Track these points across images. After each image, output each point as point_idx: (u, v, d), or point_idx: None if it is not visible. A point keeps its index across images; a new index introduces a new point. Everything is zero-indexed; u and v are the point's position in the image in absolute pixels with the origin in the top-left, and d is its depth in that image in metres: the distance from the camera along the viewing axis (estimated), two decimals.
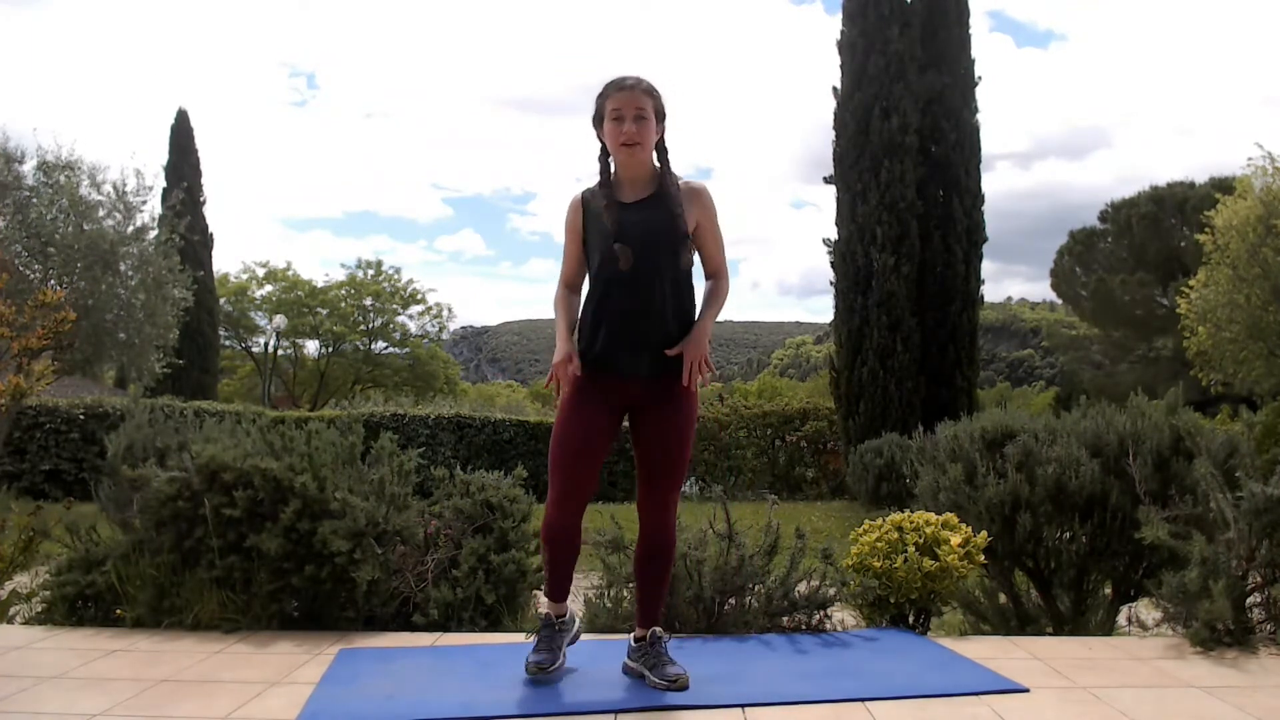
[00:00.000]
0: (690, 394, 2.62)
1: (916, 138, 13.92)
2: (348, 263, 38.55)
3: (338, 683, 2.65)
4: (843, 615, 3.52)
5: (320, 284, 33.03)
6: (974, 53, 14.80)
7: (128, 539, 3.46)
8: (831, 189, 14.68)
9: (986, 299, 15.57)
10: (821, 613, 3.37)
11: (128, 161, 27.36)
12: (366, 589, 3.26)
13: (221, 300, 28.79)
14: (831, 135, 14.67)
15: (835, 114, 14.61)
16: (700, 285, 2.68)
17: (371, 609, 3.33)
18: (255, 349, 32.50)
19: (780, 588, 3.33)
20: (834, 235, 14.56)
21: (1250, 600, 3.07)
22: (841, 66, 14.51)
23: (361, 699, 2.50)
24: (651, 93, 2.56)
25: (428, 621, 3.31)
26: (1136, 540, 3.28)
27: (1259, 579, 3.07)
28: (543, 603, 2.83)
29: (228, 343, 31.44)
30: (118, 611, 3.34)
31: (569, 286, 2.72)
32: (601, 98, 2.57)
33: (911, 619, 3.37)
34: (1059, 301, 33.31)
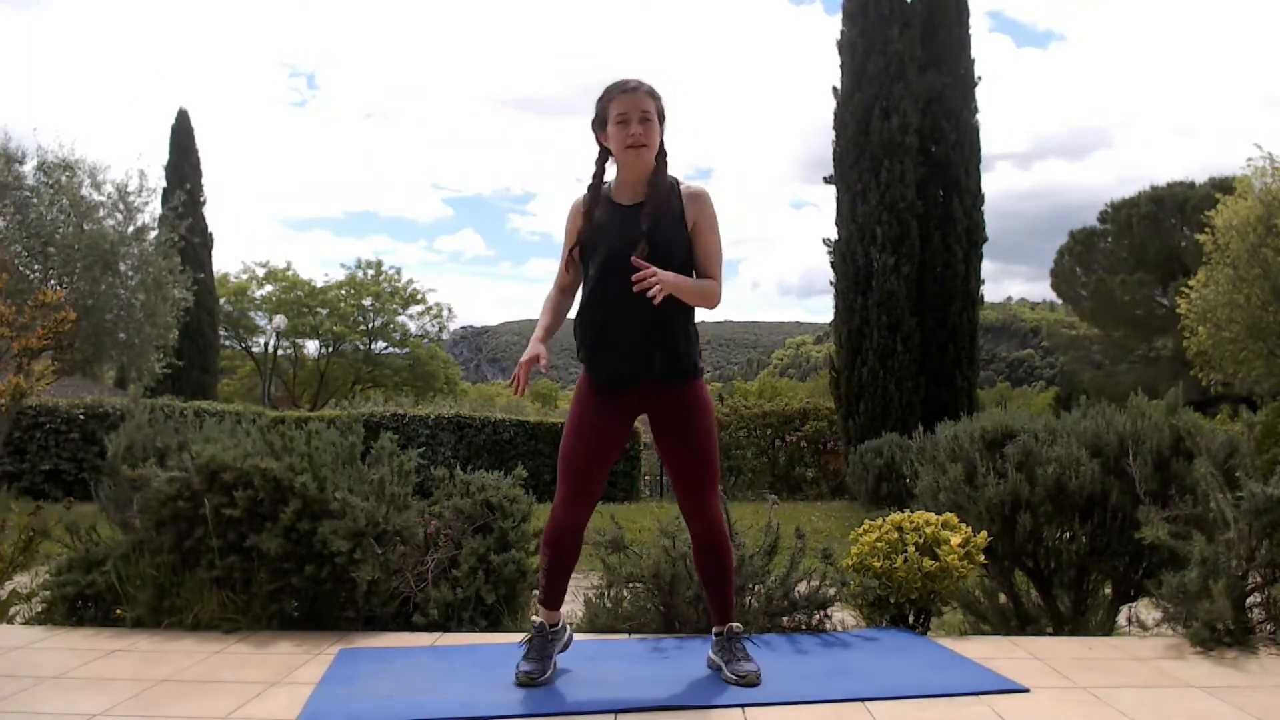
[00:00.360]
0: (699, 389, 2.63)
1: (916, 138, 13.93)
2: (347, 263, 38.60)
3: (338, 683, 2.65)
4: (843, 615, 3.52)
5: (320, 284, 33.05)
6: (974, 53, 14.81)
7: (128, 539, 3.46)
8: (831, 189, 14.69)
9: (986, 299, 15.58)
10: (821, 613, 3.37)
11: (132, 162, 27.38)
12: (366, 589, 3.26)
13: (221, 300, 28.79)
14: (831, 135, 14.68)
15: (835, 114, 14.62)
16: None
17: (371, 609, 3.33)
18: (255, 349, 32.51)
19: (780, 588, 3.33)
20: (834, 235, 14.56)
21: (1250, 600, 3.07)
22: (841, 66, 14.52)
23: (361, 699, 2.50)
24: (654, 95, 2.56)
25: (428, 621, 3.31)
26: (1136, 540, 3.28)
27: (1259, 579, 3.07)
28: (537, 610, 2.81)
29: (228, 343, 31.44)
30: (118, 611, 3.34)
31: (563, 290, 2.73)
32: (604, 101, 2.57)
33: (911, 619, 3.37)
34: (1059, 301, 33.32)
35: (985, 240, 14.62)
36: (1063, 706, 2.43)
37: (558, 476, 2.61)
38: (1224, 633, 2.95)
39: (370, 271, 33.58)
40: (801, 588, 3.36)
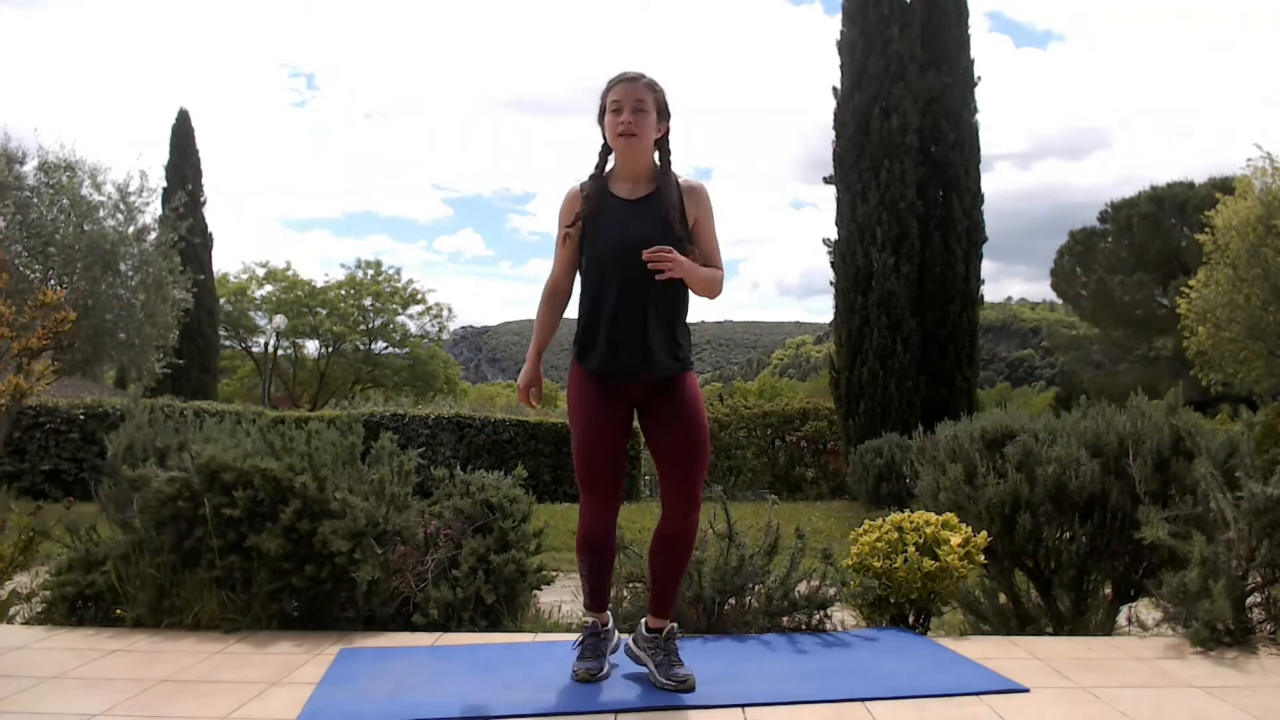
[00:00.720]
0: (691, 381, 2.63)
1: (916, 138, 13.93)
2: (347, 263, 38.56)
3: (338, 683, 2.65)
4: (843, 615, 3.52)
5: (320, 284, 33.05)
6: (973, 53, 14.83)
7: (128, 539, 3.46)
8: (831, 189, 14.70)
9: (986, 299, 15.60)
10: (821, 613, 3.37)
11: (133, 163, 27.35)
12: (366, 589, 3.26)
13: (221, 300, 28.79)
14: (831, 135, 14.69)
15: (835, 114, 14.63)
16: None
17: (371, 609, 3.33)
18: (255, 349, 32.50)
19: (780, 588, 3.33)
20: (834, 235, 14.57)
21: (1250, 600, 3.07)
22: (841, 66, 14.53)
23: (361, 699, 2.50)
24: (653, 88, 2.56)
25: (428, 621, 3.31)
26: (1136, 540, 3.28)
27: (1259, 579, 3.07)
28: (581, 612, 2.85)
29: (228, 343, 31.43)
30: (118, 611, 3.34)
31: (554, 291, 2.69)
32: (605, 91, 2.58)
33: (911, 619, 3.37)
34: (1059, 301, 33.30)
35: (985, 240, 14.64)
36: (1063, 706, 2.43)
37: (580, 483, 2.61)
38: (1224, 633, 2.94)
39: (370, 271, 33.58)
40: (801, 588, 3.36)
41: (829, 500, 14.00)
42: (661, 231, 2.53)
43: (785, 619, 3.32)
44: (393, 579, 3.39)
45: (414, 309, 34.22)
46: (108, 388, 18.41)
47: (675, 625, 2.69)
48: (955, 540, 3.30)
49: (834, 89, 14.68)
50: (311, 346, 33.90)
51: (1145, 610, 3.54)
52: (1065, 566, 3.62)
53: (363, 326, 33.21)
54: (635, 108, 2.52)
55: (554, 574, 3.73)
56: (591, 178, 2.62)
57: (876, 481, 11.49)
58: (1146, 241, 25.91)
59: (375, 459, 3.71)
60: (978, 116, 14.73)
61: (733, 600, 3.32)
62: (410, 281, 34.17)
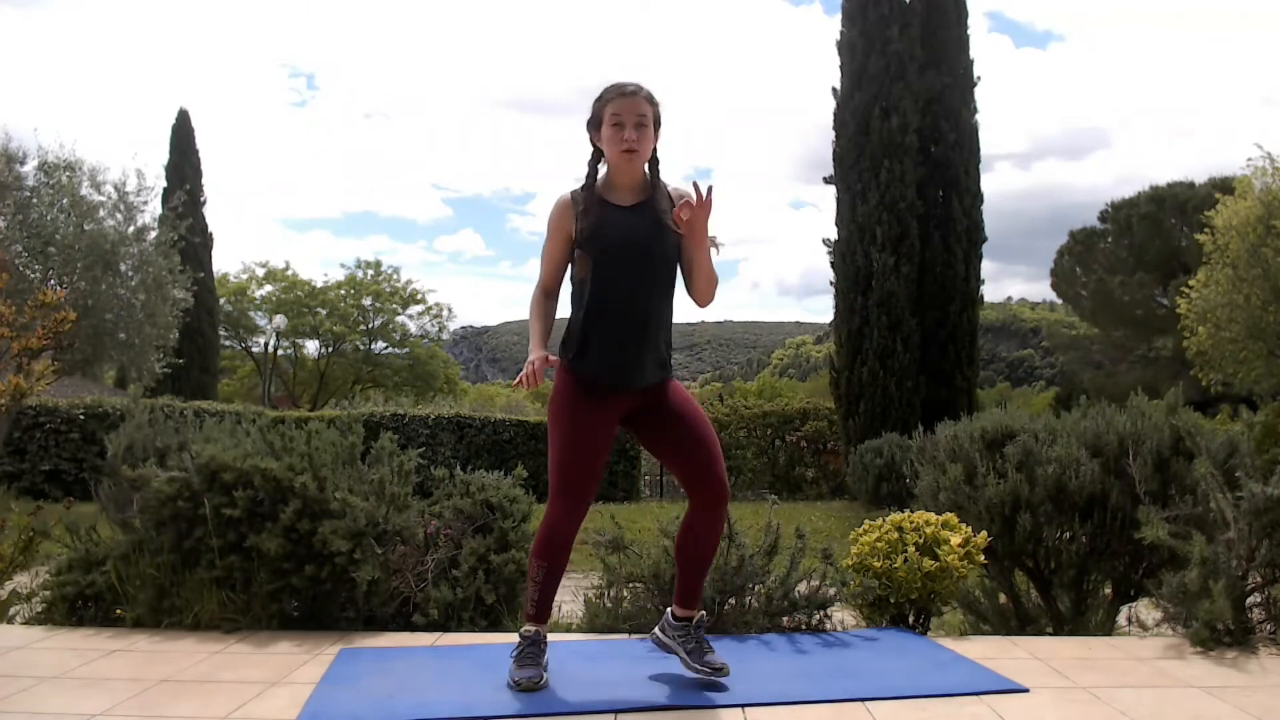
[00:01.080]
0: (676, 387, 2.66)
1: (916, 138, 13.93)
2: (347, 263, 38.57)
3: (338, 683, 2.65)
4: (843, 615, 3.52)
5: (320, 284, 33.05)
6: (973, 53, 14.83)
7: (128, 539, 3.46)
8: (831, 189, 14.70)
9: (986, 299, 15.60)
10: (821, 613, 3.37)
11: (129, 162, 27.40)
12: (366, 589, 3.26)
13: (221, 300, 28.79)
14: (831, 135, 14.69)
15: (835, 114, 14.63)
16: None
17: (371, 609, 3.33)
18: (255, 349, 32.50)
19: (780, 588, 3.33)
20: (834, 235, 14.57)
21: (1250, 600, 3.07)
22: (841, 67, 14.53)
23: (361, 699, 2.50)
24: (652, 101, 2.55)
25: (428, 621, 3.31)
26: (1136, 540, 3.28)
27: (1259, 579, 3.07)
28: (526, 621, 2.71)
29: (228, 343, 31.43)
30: (118, 611, 3.34)
31: (547, 292, 2.68)
32: (601, 102, 2.56)
33: (911, 619, 3.37)
34: (1059, 301, 33.29)
35: (985, 240, 14.64)
36: (1063, 706, 2.43)
37: (553, 487, 2.56)
38: (1224, 633, 2.94)
39: (370, 271, 33.59)
40: (801, 588, 3.36)
41: (829, 500, 14.00)
42: (658, 236, 2.53)
43: (785, 619, 3.32)
44: (393, 579, 3.39)
45: (414, 309, 34.26)
46: (108, 388, 18.41)
47: (704, 614, 2.70)
48: (955, 540, 3.31)
49: (834, 89, 14.68)
50: (311, 346, 33.93)
51: (1145, 610, 3.54)
52: (1065, 566, 3.62)
53: (363, 326, 33.22)
54: (637, 123, 2.51)
55: None
56: (584, 188, 2.60)
57: (876, 481, 11.49)
58: (1146, 241, 25.91)
59: (375, 459, 3.71)
60: (977, 116, 14.74)
61: (733, 600, 3.32)
62: (410, 281, 34.22)
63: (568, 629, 3.45)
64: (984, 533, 3.43)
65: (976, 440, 3.92)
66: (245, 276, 32.26)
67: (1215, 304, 14.77)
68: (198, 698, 2.52)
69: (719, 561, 3.32)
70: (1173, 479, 3.48)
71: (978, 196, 14.56)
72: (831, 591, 3.37)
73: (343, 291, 32.91)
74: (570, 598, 3.93)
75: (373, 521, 3.37)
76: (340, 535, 3.24)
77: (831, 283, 14.58)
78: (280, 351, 31.50)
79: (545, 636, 2.69)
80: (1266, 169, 14.66)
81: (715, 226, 2.58)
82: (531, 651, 2.60)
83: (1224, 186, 18.94)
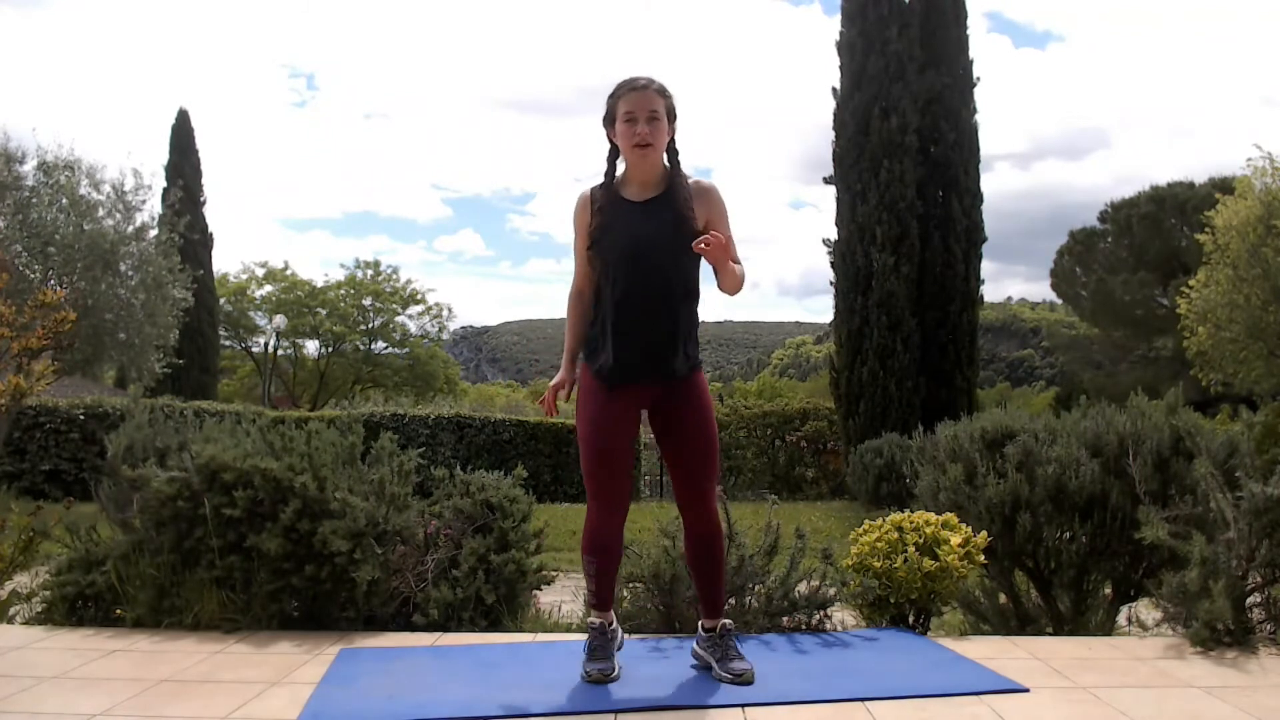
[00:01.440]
0: (701, 387, 2.64)
1: (916, 138, 13.94)
2: (347, 263, 38.60)
3: (338, 683, 2.65)
4: (843, 615, 3.52)
5: (320, 284, 33.06)
6: (972, 53, 14.84)
7: (128, 539, 3.46)
8: (831, 189, 14.70)
9: (986, 299, 15.60)
10: (821, 613, 3.37)
11: (126, 161, 27.35)
12: (366, 589, 3.26)
13: (221, 300, 28.79)
14: (831, 135, 14.69)
15: (835, 114, 14.63)
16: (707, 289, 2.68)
17: (371, 609, 3.33)
18: (255, 349, 32.50)
19: (780, 588, 3.33)
20: (834, 235, 14.57)
21: (1250, 600, 3.07)
22: (841, 67, 14.53)
23: (361, 699, 2.50)
24: (664, 93, 2.55)
25: (428, 621, 3.31)
26: (1136, 540, 3.28)
27: (1259, 579, 3.07)
28: (589, 613, 2.80)
29: (228, 343, 31.44)
30: (118, 611, 3.33)
31: (580, 292, 2.70)
32: (613, 98, 2.57)
33: (911, 619, 3.36)
34: (1059, 301, 33.30)
35: (985, 240, 14.64)
36: (1063, 706, 2.43)
37: (587, 486, 2.60)
38: (1224, 633, 2.94)
39: (369, 271, 33.59)
40: (801, 588, 3.36)
41: (829, 500, 14.00)
42: (672, 232, 2.53)
43: (785, 619, 3.32)
44: (393, 579, 3.39)
45: (414, 309, 34.28)
46: (108, 388, 18.41)
47: (730, 623, 2.73)
48: (955, 540, 3.30)
49: (833, 89, 14.68)
50: (311, 346, 33.95)
51: (1145, 610, 3.53)
52: (1065, 566, 3.61)
53: (363, 326, 33.23)
54: (650, 117, 2.51)
55: (554, 574, 3.73)
56: (604, 186, 2.62)
57: (876, 481, 11.49)
58: (1146, 241, 25.91)
59: (375, 459, 3.71)
60: (977, 117, 14.75)
61: (732, 600, 3.32)
62: (409, 281, 34.24)
63: (568, 629, 3.45)
64: (984, 533, 3.43)
65: (976, 440, 3.92)
66: (245, 276, 32.29)
67: (1215, 304, 14.77)
68: (198, 698, 2.51)
69: None
70: (1173, 479, 3.48)
71: (977, 196, 14.56)
72: (831, 591, 3.37)
73: (343, 291, 32.92)
74: (570, 598, 3.93)
75: (373, 521, 3.37)
76: (340, 535, 3.24)
77: (831, 283, 14.58)
78: (280, 351, 31.51)
79: (616, 626, 2.75)
80: (1266, 169, 14.66)
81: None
82: (600, 643, 2.66)
83: (1224, 186, 18.95)
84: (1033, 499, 3.58)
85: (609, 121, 2.59)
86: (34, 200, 13.09)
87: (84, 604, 3.42)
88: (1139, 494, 3.42)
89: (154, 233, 14.66)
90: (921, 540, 3.31)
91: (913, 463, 4.33)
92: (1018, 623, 3.71)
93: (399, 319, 34.01)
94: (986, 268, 14.90)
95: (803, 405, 17.92)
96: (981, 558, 3.37)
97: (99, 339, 13.14)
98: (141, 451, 3.63)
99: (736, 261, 2.58)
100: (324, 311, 32.28)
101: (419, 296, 34.15)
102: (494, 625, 3.39)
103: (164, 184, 21.79)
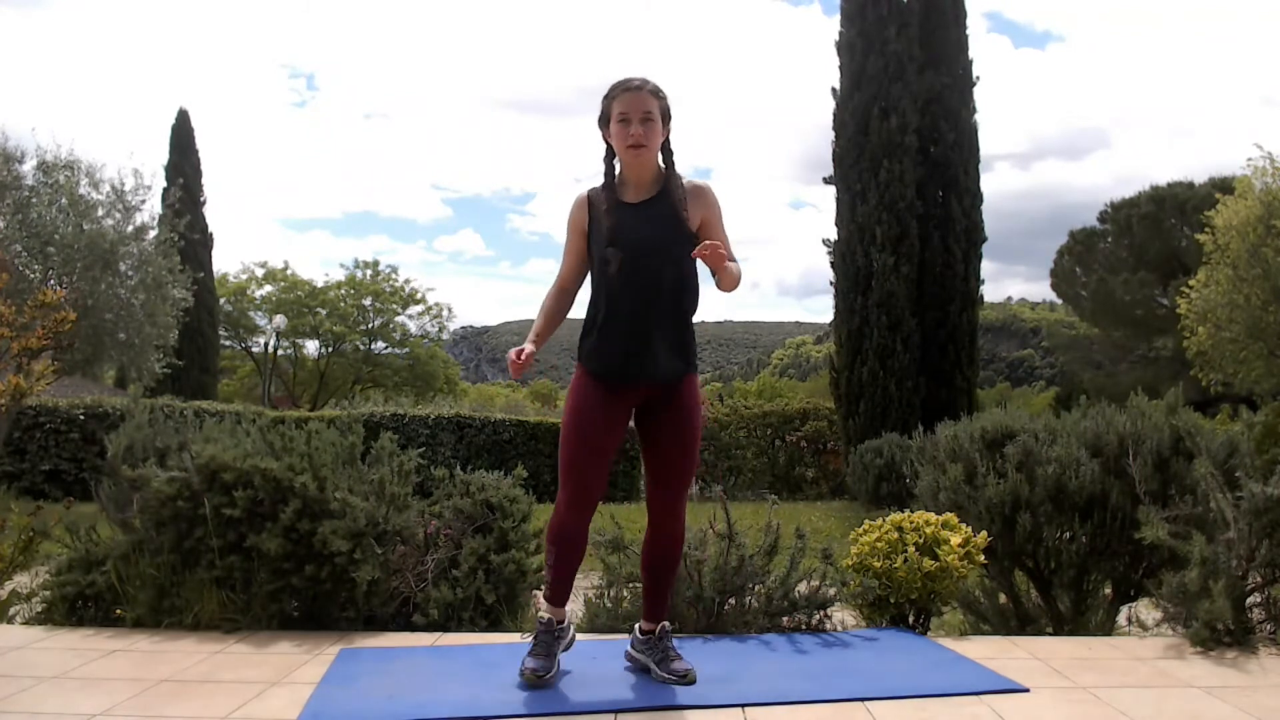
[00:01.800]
0: (694, 392, 2.64)
1: (915, 138, 13.93)
2: (347, 263, 38.57)
3: (338, 683, 2.65)
4: (843, 615, 3.52)
5: (320, 284, 33.04)
6: (972, 53, 14.81)
7: (128, 539, 3.46)
8: (831, 189, 14.68)
9: (986, 299, 15.59)
10: (821, 613, 3.37)
11: (125, 161, 27.35)
12: (366, 589, 3.26)
13: (221, 300, 28.78)
14: (831, 135, 14.67)
15: (834, 114, 14.61)
16: (706, 289, 2.68)
17: (371, 609, 3.33)
18: (255, 349, 32.49)
19: (780, 588, 3.33)
20: (834, 235, 14.56)
21: (1250, 600, 3.07)
22: (840, 67, 14.52)
23: (361, 699, 2.50)
24: (658, 94, 2.56)
25: (428, 621, 3.31)
26: (1136, 540, 3.28)
27: (1259, 579, 3.07)
28: (542, 605, 2.79)
29: (228, 343, 31.42)
30: (118, 611, 3.34)
31: (562, 288, 2.71)
32: (608, 99, 2.57)
33: (911, 619, 3.37)
34: (1059, 301, 33.29)
35: (984, 240, 14.63)
36: (1063, 706, 2.43)
37: (560, 478, 2.59)
38: (1224, 633, 2.94)
39: (369, 272, 33.58)
40: (801, 588, 3.36)
41: (829, 500, 13.99)
42: (668, 233, 2.53)
43: (785, 619, 3.32)
44: (393, 579, 3.39)
45: (414, 309, 34.25)
46: (108, 388, 18.41)
47: (667, 624, 2.73)
48: (955, 540, 3.31)
49: (833, 89, 14.66)
50: (311, 346, 33.92)
51: (1145, 610, 3.54)
52: (1065, 566, 3.62)
53: (363, 326, 33.21)
54: (644, 118, 2.52)
55: None
56: (604, 187, 2.62)
57: (876, 481, 11.48)
58: (1146, 241, 25.91)
59: (375, 459, 3.71)
60: (977, 117, 14.72)
61: (733, 600, 3.32)
62: (409, 281, 34.22)
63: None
64: (984, 533, 3.43)
65: (976, 440, 3.92)
66: (245, 276, 32.26)
67: (1215, 304, 14.76)
68: (198, 698, 2.52)
69: (719, 562, 3.32)
70: (1173, 479, 3.48)
71: (977, 196, 14.55)
72: (831, 591, 3.37)
73: (342, 291, 32.91)
74: (570, 598, 3.93)
75: (373, 521, 3.37)
76: (340, 535, 3.24)
77: (831, 283, 14.56)
78: (280, 351, 31.50)
79: (566, 626, 2.72)
80: (1266, 169, 14.66)
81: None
82: (544, 640, 2.63)
83: (1224, 186, 18.94)
84: (1033, 499, 3.58)
85: (604, 122, 2.59)
86: (33, 200, 13.08)
87: (84, 604, 3.42)
88: (1139, 494, 3.42)
89: (154, 233, 14.64)
90: (921, 540, 3.31)
91: (913, 463, 4.33)
92: (1018, 623, 3.71)
93: (399, 319, 34.00)
94: (986, 268, 14.90)
95: (803, 405, 17.90)
96: (981, 558, 3.37)
97: (99, 339, 13.13)
98: (141, 451, 3.63)
99: (733, 260, 2.58)
100: (324, 311, 32.27)
101: (419, 296, 34.15)
102: (494, 625, 3.39)
103: (164, 184, 21.77)
